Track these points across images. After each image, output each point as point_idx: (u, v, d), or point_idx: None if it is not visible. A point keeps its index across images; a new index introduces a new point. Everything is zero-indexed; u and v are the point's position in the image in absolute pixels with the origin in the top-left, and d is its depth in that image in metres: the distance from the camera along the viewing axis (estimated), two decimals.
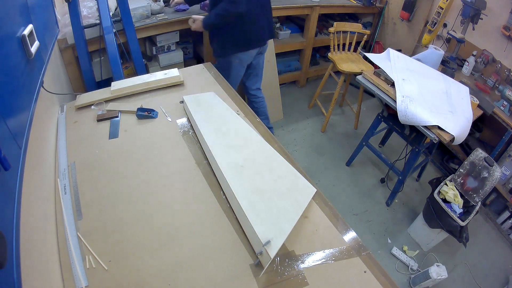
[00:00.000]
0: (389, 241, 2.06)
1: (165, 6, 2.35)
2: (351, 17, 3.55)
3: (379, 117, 2.19)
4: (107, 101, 1.40)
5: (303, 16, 2.97)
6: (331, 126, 2.95)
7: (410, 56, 2.26)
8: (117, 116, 1.33)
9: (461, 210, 1.81)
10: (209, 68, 1.70)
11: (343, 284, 0.84)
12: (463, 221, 1.72)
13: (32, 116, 0.81)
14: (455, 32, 2.48)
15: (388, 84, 1.95)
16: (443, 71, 2.29)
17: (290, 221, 0.91)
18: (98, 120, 1.30)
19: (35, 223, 0.81)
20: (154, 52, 2.43)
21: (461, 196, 1.86)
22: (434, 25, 2.55)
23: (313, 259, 0.88)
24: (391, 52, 2.16)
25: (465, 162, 1.88)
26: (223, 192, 1.05)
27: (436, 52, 2.29)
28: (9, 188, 0.61)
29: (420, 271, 1.87)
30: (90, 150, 1.18)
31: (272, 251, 0.81)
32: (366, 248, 0.92)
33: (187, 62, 2.74)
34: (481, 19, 2.30)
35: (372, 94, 2.39)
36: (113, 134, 1.25)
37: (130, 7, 1.93)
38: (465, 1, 2.28)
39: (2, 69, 0.67)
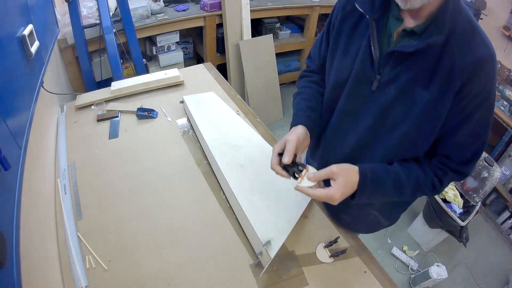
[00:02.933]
0: (389, 241, 2.06)
1: (165, 6, 2.35)
2: None
3: None
4: (107, 101, 1.40)
5: (303, 16, 2.97)
6: None
7: None
8: (117, 116, 1.32)
9: (461, 210, 1.81)
10: (209, 68, 1.70)
11: (343, 284, 0.84)
12: (463, 221, 1.72)
13: (32, 116, 0.81)
14: None
15: None
16: None
17: (290, 221, 0.91)
18: (98, 120, 1.30)
19: (35, 223, 0.81)
20: (154, 52, 2.43)
21: (461, 196, 1.86)
22: None
23: (313, 259, 0.88)
24: None
25: None
26: (223, 192, 1.05)
27: None
28: (9, 188, 0.61)
29: (420, 271, 1.87)
30: (90, 150, 1.18)
31: (272, 251, 0.81)
32: (366, 248, 0.92)
33: (187, 62, 2.74)
34: (481, 19, 2.29)
35: None
36: (113, 134, 1.25)
37: (130, 7, 1.93)
38: (465, 1, 2.28)
39: (2, 69, 0.67)
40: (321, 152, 0.93)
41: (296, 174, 0.72)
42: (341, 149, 0.83)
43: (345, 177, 0.69)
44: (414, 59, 0.64)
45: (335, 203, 0.70)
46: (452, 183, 1.88)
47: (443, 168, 0.72)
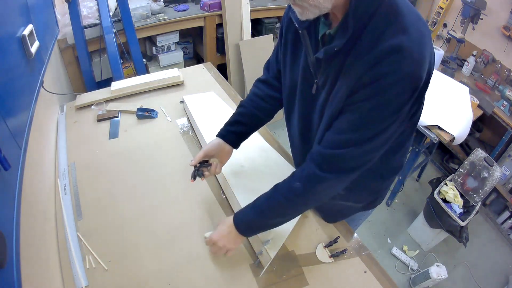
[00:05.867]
0: (389, 241, 2.06)
1: (165, 6, 2.35)
2: None
3: None
4: (107, 101, 1.40)
5: None
6: None
7: None
8: (117, 116, 1.32)
9: (461, 210, 1.81)
10: (209, 68, 1.70)
11: (343, 284, 0.84)
12: (463, 221, 1.72)
13: (32, 116, 0.81)
14: (455, 32, 2.47)
15: None
16: (443, 71, 2.29)
17: (290, 221, 0.91)
18: (98, 120, 1.30)
19: (35, 223, 0.81)
20: (154, 52, 2.43)
21: (461, 196, 1.85)
22: (434, 25, 2.55)
23: (313, 259, 0.88)
24: None
25: (465, 162, 1.88)
26: (223, 192, 1.05)
27: (436, 52, 2.29)
28: (9, 188, 0.61)
29: (420, 271, 1.87)
30: (90, 150, 1.18)
31: (272, 251, 0.81)
32: (366, 248, 0.92)
33: (187, 62, 2.74)
34: (481, 19, 2.29)
35: None
36: (113, 134, 1.25)
37: (130, 7, 1.93)
38: (465, 1, 2.27)
39: (2, 69, 0.67)
40: (301, 151, 0.96)
41: (198, 171, 0.92)
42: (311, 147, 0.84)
43: (223, 241, 0.79)
44: (336, 60, 0.64)
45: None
46: (452, 183, 1.88)
47: (304, 165, 0.72)
